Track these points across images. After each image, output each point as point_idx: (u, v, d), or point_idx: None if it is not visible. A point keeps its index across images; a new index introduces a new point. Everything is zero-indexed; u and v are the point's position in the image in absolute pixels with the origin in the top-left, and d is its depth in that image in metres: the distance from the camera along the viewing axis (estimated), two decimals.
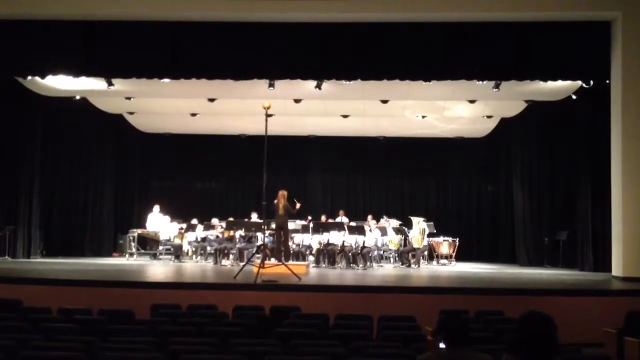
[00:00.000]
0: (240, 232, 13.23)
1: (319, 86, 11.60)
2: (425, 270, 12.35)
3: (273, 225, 12.29)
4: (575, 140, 12.72)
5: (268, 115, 9.64)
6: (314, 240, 13.25)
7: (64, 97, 12.72)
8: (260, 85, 11.50)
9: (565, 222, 13.33)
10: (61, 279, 9.00)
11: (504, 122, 14.60)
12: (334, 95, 12.35)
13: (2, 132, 12.68)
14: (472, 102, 12.98)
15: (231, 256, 12.93)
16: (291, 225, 13.01)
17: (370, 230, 13.04)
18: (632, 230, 9.91)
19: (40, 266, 11.28)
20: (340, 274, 11.33)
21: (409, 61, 10.56)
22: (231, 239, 13.17)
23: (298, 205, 12.38)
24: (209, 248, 13.67)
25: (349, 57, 10.54)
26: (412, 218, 13.68)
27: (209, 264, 13.12)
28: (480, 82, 11.15)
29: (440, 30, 10.47)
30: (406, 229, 13.58)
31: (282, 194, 12.03)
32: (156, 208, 14.46)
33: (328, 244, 12.75)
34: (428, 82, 10.93)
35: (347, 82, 11.31)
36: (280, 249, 11.68)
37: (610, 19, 10.36)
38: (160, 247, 14.21)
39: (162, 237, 14.07)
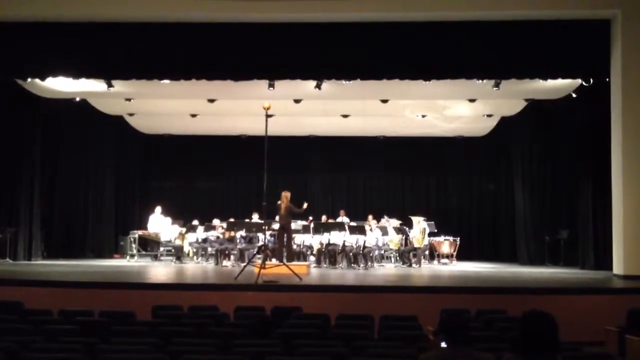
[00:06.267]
0: (241, 233, 13.23)
1: (318, 86, 11.59)
2: (426, 270, 12.34)
3: (275, 226, 12.27)
4: (576, 138, 12.72)
5: (268, 116, 9.64)
6: (315, 241, 13.24)
7: (64, 98, 12.71)
8: (260, 86, 11.49)
9: (566, 221, 13.34)
10: (62, 280, 8.98)
11: (504, 120, 14.59)
12: (333, 95, 12.35)
13: (3, 134, 12.68)
14: (472, 101, 12.96)
15: (232, 257, 12.94)
16: (292, 225, 13.00)
17: (371, 230, 13.03)
18: (633, 228, 9.90)
19: (41, 268, 11.28)
20: (341, 274, 11.32)
21: (409, 60, 10.54)
22: (232, 239, 13.17)
23: (305, 205, 12.36)
24: (209, 249, 13.65)
25: (349, 57, 10.53)
26: (412, 217, 13.66)
27: (210, 264, 13.11)
28: (480, 81, 11.15)
29: (440, 29, 10.45)
30: (407, 228, 13.56)
31: (285, 195, 12.02)
32: (157, 209, 14.43)
33: (329, 244, 12.74)
34: (428, 82, 10.92)
35: (347, 82, 11.30)
36: (283, 250, 11.67)
37: (610, 17, 10.35)
38: (161, 248, 14.20)
39: (163, 238, 14.06)
